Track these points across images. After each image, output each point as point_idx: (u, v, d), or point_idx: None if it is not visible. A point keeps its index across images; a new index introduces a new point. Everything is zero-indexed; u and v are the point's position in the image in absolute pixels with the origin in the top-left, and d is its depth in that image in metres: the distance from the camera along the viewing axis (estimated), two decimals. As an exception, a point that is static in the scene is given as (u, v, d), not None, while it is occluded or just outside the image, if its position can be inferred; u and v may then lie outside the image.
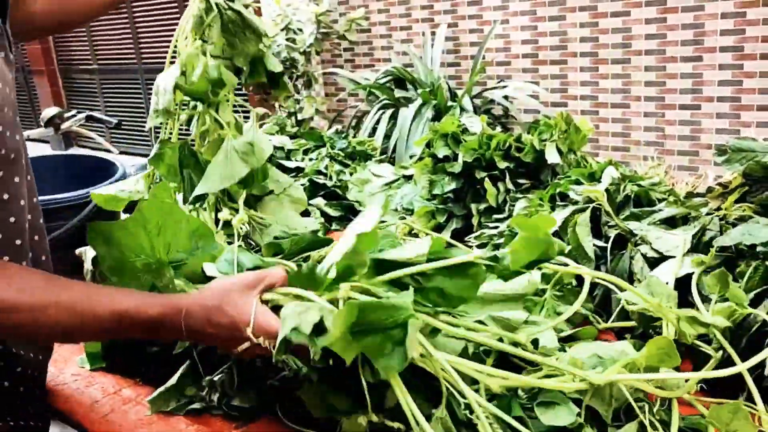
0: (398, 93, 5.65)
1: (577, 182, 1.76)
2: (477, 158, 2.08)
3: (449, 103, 5.28)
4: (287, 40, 6.45)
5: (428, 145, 2.26)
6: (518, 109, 5.65)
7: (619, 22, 5.16)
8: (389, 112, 5.47)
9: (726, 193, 1.48)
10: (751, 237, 1.25)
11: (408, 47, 6.14)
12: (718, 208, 1.48)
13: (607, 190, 1.62)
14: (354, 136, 3.15)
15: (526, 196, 1.87)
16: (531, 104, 5.45)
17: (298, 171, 2.63)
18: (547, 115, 2.20)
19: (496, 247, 1.84)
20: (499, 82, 5.78)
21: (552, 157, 2.00)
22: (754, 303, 1.18)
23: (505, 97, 5.48)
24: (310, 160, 2.67)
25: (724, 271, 1.19)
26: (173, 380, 1.32)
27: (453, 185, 2.12)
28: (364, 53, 6.94)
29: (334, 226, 2.46)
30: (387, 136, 5.34)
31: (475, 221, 2.06)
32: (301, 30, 6.58)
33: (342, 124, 6.53)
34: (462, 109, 5.14)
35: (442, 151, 2.16)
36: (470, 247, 2.03)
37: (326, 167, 2.60)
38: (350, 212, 2.49)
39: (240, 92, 7.12)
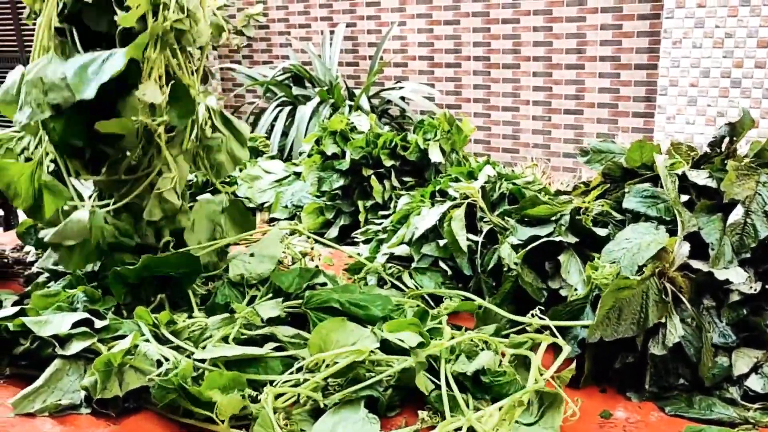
0: (296, 90, 5.63)
1: (456, 180, 1.84)
2: (364, 156, 2.12)
3: (347, 102, 5.33)
4: (182, 33, 6.28)
5: (317, 142, 2.27)
6: (414, 110, 5.78)
7: (509, 29, 5.38)
8: (287, 109, 5.44)
9: (587, 190, 1.60)
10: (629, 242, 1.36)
11: (307, 45, 6.13)
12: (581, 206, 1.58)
13: (482, 187, 1.69)
14: (251, 132, 3.12)
15: (409, 193, 1.93)
16: (426, 106, 5.58)
17: (185, 166, 2.58)
18: (432, 114, 2.27)
19: (380, 242, 1.89)
20: (396, 83, 5.88)
21: (435, 156, 2.07)
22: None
23: (402, 98, 5.59)
24: (199, 155, 2.62)
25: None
26: (40, 381, 1.27)
27: (341, 182, 2.15)
28: (263, 49, 6.86)
29: (222, 223, 2.42)
30: (284, 134, 5.31)
31: (362, 218, 2.10)
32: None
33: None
34: (359, 109, 5.19)
35: (330, 149, 2.19)
36: (356, 243, 2.07)
37: (215, 163, 2.56)
38: (239, 209, 2.46)
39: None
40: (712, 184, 1.43)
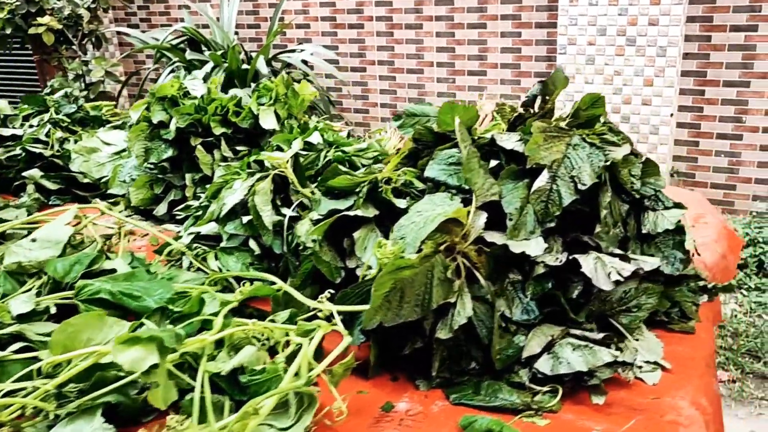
0: (190, 55, 5.32)
1: (279, 149, 1.68)
2: (193, 123, 1.94)
3: (244, 67, 5.06)
4: (71, -6, 5.85)
5: (147, 109, 2.07)
6: (318, 74, 5.56)
7: (411, -13, 5.20)
8: (181, 75, 5.14)
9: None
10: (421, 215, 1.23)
11: (204, 7, 5.79)
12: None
13: (294, 156, 1.54)
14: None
15: (229, 164, 1.76)
16: (329, 69, 5.36)
17: (14, 139, 2.33)
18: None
19: (196, 219, 1.72)
20: (298, 45, 5.63)
21: (267, 122, 1.90)
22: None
23: (305, 62, 5.36)
24: (30, 126, 2.38)
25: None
26: None
27: (169, 153, 1.96)
28: (161, 12, 6.48)
29: (52, 200, 2.21)
30: (177, 101, 5.02)
31: (189, 192, 1.92)
32: (86, -16, 6.00)
33: (138, 87, 6.08)
34: (257, 73, 4.94)
35: (157, 116, 1.99)
36: (180, 221, 1.89)
37: (48, 134, 2.33)
38: (72, 185, 2.25)
39: (23, 50, 6.42)
40: (521, 148, 1.31)
